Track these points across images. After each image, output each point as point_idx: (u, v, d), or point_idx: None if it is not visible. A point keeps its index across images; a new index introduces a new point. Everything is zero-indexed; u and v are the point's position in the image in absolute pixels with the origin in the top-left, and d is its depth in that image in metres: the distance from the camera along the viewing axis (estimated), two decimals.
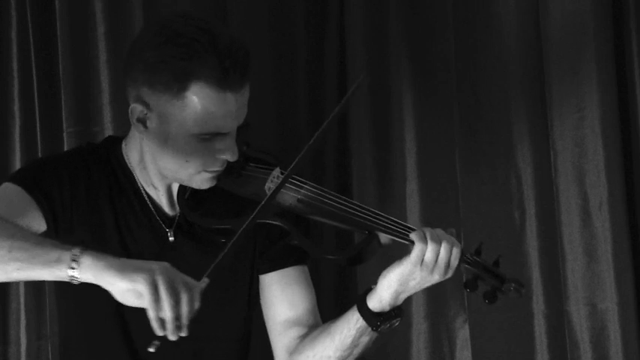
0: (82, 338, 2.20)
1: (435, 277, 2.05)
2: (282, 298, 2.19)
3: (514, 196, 2.81)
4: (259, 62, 2.87)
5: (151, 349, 1.84)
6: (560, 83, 2.77)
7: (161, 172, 2.13)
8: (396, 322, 2.09)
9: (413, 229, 2.06)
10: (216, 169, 2.09)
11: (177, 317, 1.82)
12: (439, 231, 2.06)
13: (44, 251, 1.86)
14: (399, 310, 2.09)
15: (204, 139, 2.04)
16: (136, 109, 2.06)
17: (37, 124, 2.84)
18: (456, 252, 2.04)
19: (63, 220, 2.12)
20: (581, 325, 2.75)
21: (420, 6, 2.86)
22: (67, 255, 1.85)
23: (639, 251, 2.77)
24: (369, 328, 2.08)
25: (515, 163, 2.81)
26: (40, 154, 2.81)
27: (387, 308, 2.08)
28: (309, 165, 2.86)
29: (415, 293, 2.75)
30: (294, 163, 2.03)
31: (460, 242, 2.78)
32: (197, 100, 2.01)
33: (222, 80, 1.99)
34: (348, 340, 2.10)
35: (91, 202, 2.14)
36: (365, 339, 2.10)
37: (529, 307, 2.79)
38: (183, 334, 1.83)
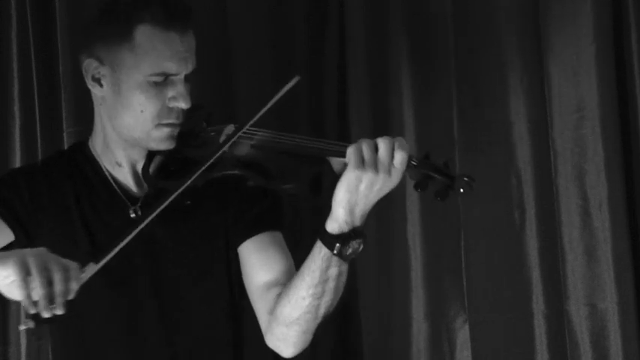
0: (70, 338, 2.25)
1: (381, 177, 2.01)
2: (259, 263, 2.22)
3: (514, 196, 2.81)
4: (259, 62, 2.88)
5: (22, 327, 1.88)
6: (560, 83, 2.77)
7: (121, 135, 2.19)
8: (357, 244, 2.07)
9: None
10: (171, 121, 2.16)
11: (48, 295, 1.85)
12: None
13: None
14: (359, 231, 2.07)
15: (156, 84, 2.13)
16: (90, 65, 2.17)
17: (37, 124, 2.85)
18: (399, 151, 2.02)
19: (30, 225, 2.20)
20: (581, 325, 2.75)
21: (420, 5, 2.86)
22: None
23: (639, 251, 2.76)
24: (334, 257, 2.07)
25: (515, 163, 2.81)
26: (40, 154, 2.82)
27: (345, 228, 2.06)
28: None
29: (415, 293, 2.81)
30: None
31: (461, 245, 2.81)
32: (144, 41, 2.12)
33: (166, 20, 2.12)
34: (317, 274, 2.08)
35: (55, 201, 2.22)
36: (333, 270, 2.08)
37: (529, 307, 2.79)
38: (59, 312, 1.86)
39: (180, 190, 2.04)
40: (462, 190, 2.06)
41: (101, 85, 2.18)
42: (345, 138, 2.87)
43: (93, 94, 2.23)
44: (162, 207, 2.02)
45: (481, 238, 2.80)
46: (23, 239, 2.20)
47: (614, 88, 2.74)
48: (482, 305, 2.80)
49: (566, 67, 2.76)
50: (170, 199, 2.03)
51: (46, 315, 1.85)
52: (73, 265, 1.89)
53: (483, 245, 2.80)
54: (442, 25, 2.84)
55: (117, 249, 1.96)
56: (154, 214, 2.01)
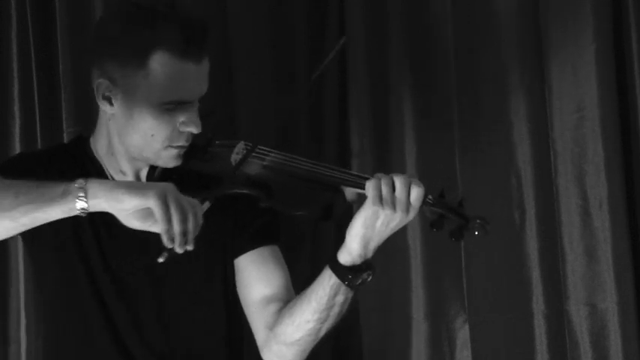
0: (67, 335, 2.23)
1: (399, 215, 2.05)
2: (258, 276, 2.23)
3: (514, 196, 2.81)
4: (259, 62, 2.88)
5: (161, 259, 1.95)
6: (560, 83, 2.77)
7: (129, 152, 2.17)
8: (368, 276, 2.10)
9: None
10: (181, 144, 2.15)
11: (184, 232, 1.92)
12: (395, 173, 2.08)
13: (49, 189, 1.94)
14: (370, 264, 2.10)
15: (168, 110, 2.10)
16: (102, 84, 2.12)
17: (37, 124, 2.85)
18: (415, 188, 2.05)
19: None
20: (581, 325, 2.75)
21: (420, 5, 2.86)
22: (72, 186, 1.94)
23: (639, 251, 2.76)
24: (343, 285, 2.10)
25: (515, 163, 2.81)
26: None
27: (357, 261, 2.09)
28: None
29: (415, 293, 2.81)
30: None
31: (461, 245, 2.81)
32: (160, 69, 2.08)
33: (184, 50, 2.07)
34: (324, 301, 2.11)
35: None
36: (340, 298, 2.11)
37: (529, 307, 2.79)
38: (190, 247, 1.93)
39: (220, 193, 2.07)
40: (476, 233, 2.10)
41: (112, 105, 2.14)
42: (345, 138, 2.87)
43: (101, 109, 2.20)
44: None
45: (481, 238, 2.79)
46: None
47: (614, 88, 2.74)
48: (482, 305, 2.80)
49: (566, 67, 2.76)
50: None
51: (179, 251, 1.92)
52: (196, 201, 1.96)
53: (483, 245, 2.80)
54: (442, 26, 2.84)
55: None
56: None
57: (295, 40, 2.91)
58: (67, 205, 1.94)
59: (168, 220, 1.91)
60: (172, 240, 1.92)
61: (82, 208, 1.94)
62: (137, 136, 2.13)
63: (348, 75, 2.88)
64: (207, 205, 2.00)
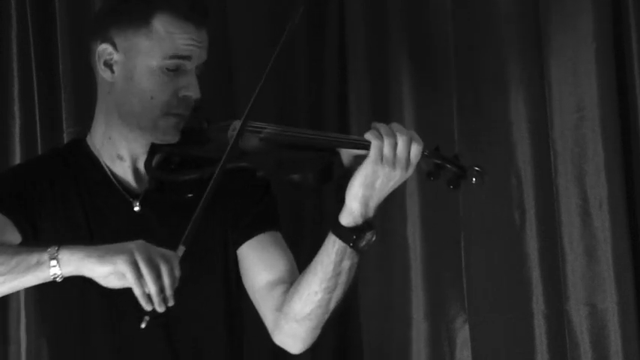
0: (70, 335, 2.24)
1: (397, 173, 2.04)
2: (261, 263, 2.23)
3: (514, 196, 2.81)
4: (259, 62, 2.88)
5: (143, 325, 1.93)
6: (560, 83, 2.77)
7: (128, 127, 2.19)
8: (371, 236, 2.09)
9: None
10: (179, 111, 2.18)
11: (161, 289, 1.91)
12: (394, 125, 2.07)
13: (22, 258, 1.97)
14: (371, 223, 2.09)
15: (169, 71, 2.16)
16: (105, 50, 2.18)
17: (37, 124, 2.85)
18: (415, 146, 2.04)
19: (40, 222, 2.19)
20: (581, 325, 2.75)
21: (420, 3, 2.86)
22: (45, 256, 1.96)
23: (639, 251, 2.76)
24: (348, 249, 2.08)
25: (515, 163, 2.81)
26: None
27: (359, 220, 2.08)
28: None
29: (415, 293, 2.81)
30: (249, 104, 2.11)
31: (461, 245, 2.81)
32: (162, 28, 2.15)
33: (186, 13, 2.16)
34: (330, 268, 2.10)
35: (58, 198, 2.22)
36: (346, 263, 2.10)
37: (529, 307, 2.79)
38: (170, 304, 1.92)
39: (219, 169, 2.02)
40: (474, 180, 2.08)
41: (112, 72, 2.19)
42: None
43: (101, 81, 2.23)
44: (211, 185, 2.02)
45: (481, 238, 2.80)
46: (32, 241, 2.18)
47: (614, 88, 2.74)
48: (482, 305, 2.80)
49: (566, 67, 2.76)
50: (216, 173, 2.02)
51: (160, 310, 1.92)
52: (171, 253, 1.94)
53: (483, 245, 2.80)
54: (442, 23, 2.84)
55: (193, 229, 1.98)
56: (208, 191, 2.01)
57: (295, 40, 2.90)
58: (42, 274, 1.97)
59: (142, 283, 1.91)
60: (150, 301, 1.91)
61: (55, 275, 1.96)
62: (136, 100, 2.17)
63: (348, 72, 2.88)
64: (181, 250, 1.96)
